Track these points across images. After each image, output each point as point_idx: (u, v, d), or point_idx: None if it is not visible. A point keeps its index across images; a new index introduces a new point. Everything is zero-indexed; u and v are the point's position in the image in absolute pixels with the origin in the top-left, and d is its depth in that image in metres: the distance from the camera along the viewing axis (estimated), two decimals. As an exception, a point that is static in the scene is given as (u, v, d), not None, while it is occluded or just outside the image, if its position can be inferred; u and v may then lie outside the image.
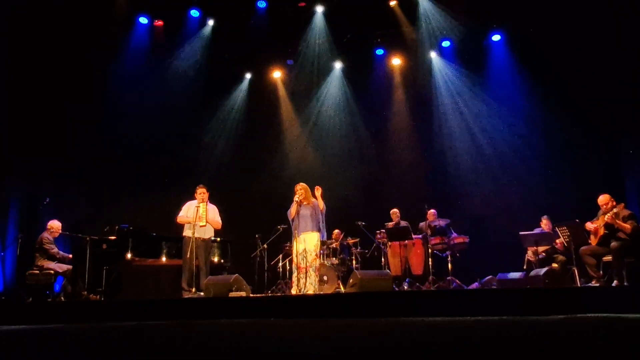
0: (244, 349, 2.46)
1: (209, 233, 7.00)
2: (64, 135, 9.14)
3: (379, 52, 10.46)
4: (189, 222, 6.74)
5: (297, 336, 2.91)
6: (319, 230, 6.52)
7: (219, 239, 7.95)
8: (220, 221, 7.08)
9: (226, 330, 3.11)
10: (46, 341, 2.99)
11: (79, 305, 5.68)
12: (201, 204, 6.85)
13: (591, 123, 8.30)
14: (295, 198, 6.55)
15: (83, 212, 8.59)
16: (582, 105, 8.36)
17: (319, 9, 10.02)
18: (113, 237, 7.36)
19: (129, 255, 7.17)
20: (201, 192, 6.90)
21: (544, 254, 6.98)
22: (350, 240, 8.51)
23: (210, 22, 10.17)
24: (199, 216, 6.79)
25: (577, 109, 8.39)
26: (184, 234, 6.90)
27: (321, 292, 6.74)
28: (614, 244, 5.96)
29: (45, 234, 7.09)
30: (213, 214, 7.01)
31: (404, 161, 10.15)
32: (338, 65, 10.74)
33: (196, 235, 6.66)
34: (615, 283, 5.82)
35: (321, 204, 6.51)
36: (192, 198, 6.99)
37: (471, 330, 2.88)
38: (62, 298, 6.95)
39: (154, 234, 7.53)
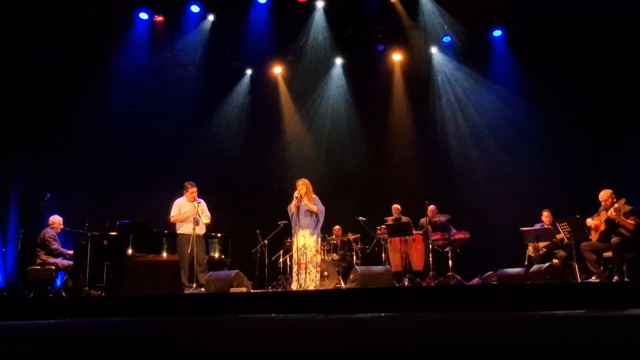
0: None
1: (203, 229, 7.08)
2: (66, 131, 9.13)
3: (380, 47, 10.42)
4: (189, 217, 6.76)
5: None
6: (311, 227, 6.52)
7: (219, 234, 7.96)
8: (210, 215, 7.15)
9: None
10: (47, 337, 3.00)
11: (80, 301, 5.70)
12: (199, 201, 6.89)
13: (592, 119, 8.29)
14: (295, 194, 6.55)
15: (84, 207, 8.59)
16: (583, 100, 8.35)
17: (320, 5, 9.99)
18: (114, 233, 7.37)
19: (129, 251, 7.17)
20: (193, 191, 6.96)
21: (544, 249, 6.99)
22: (351, 236, 8.51)
23: (211, 18, 10.13)
24: (200, 213, 6.84)
25: (578, 105, 8.37)
26: (179, 231, 6.92)
27: (322, 288, 6.75)
28: (614, 239, 5.96)
29: (48, 230, 7.10)
30: (205, 208, 7.07)
31: (405, 157, 10.13)
32: (338, 61, 10.72)
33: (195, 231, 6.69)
34: (615, 279, 5.83)
35: (313, 208, 6.50)
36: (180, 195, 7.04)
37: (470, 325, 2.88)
38: (64, 293, 6.96)
39: (155, 230, 7.53)
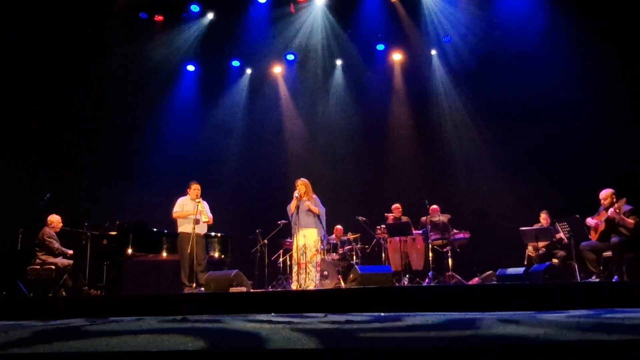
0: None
1: (204, 228, 7.09)
2: (65, 130, 9.13)
3: (380, 47, 10.44)
4: (189, 215, 6.78)
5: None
6: (318, 226, 6.53)
7: (219, 234, 7.97)
8: (212, 216, 7.15)
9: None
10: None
11: (79, 300, 5.69)
12: (200, 200, 6.90)
13: (591, 118, 8.29)
14: (295, 194, 6.55)
15: (84, 207, 8.59)
16: (583, 100, 8.35)
17: (320, 4, 9.99)
18: (114, 233, 7.37)
19: (129, 251, 7.18)
20: (195, 188, 6.97)
21: (544, 249, 7.00)
22: (351, 236, 8.52)
23: (210, 16, 10.12)
24: (200, 211, 6.86)
25: (577, 104, 8.38)
26: (179, 230, 6.94)
27: (321, 288, 6.75)
28: (614, 239, 5.96)
29: (47, 229, 7.10)
30: (207, 209, 7.07)
31: (405, 156, 10.14)
32: (338, 60, 10.72)
33: (195, 230, 6.70)
34: (615, 278, 5.83)
35: (315, 209, 6.52)
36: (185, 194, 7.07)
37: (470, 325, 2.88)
38: (63, 293, 6.96)
39: (155, 230, 7.54)
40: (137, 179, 9.59)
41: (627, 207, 6.04)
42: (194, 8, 9.94)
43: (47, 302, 5.51)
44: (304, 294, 5.48)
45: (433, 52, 10.26)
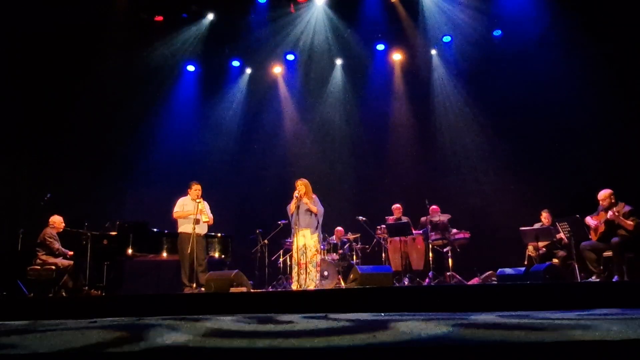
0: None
1: (205, 229, 7.09)
2: (65, 130, 9.13)
3: (380, 47, 10.44)
4: (190, 215, 6.79)
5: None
6: (312, 227, 6.53)
7: (219, 234, 7.98)
8: (212, 216, 7.15)
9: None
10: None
11: (80, 301, 5.69)
12: (200, 200, 6.90)
13: (591, 117, 8.30)
14: (295, 194, 6.55)
15: (84, 207, 8.60)
16: (583, 100, 8.35)
17: (320, 4, 9.98)
18: (114, 233, 7.37)
19: (129, 251, 7.18)
20: (196, 188, 6.97)
21: (544, 249, 7.00)
22: (351, 236, 8.52)
23: (210, 16, 10.11)
24: (200, 211, 6.86)
25: (577, 104, 8.38)
26: (180, 230, 6.94)
27: (322, 288, 6.76)
28: (614, 239, 5.97)
29: (48, 230, 7.10)
30: (207, 209, 7.08)
31: (405, 156, 10.14)
32: (338, 60, 10.72)
33: (195, 230, 6.70)
34: (615, 278, 5.83)
35: (314, 208, 6.52)
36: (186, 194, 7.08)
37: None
38: (64, 293, 6.96)
39: (155, 230, 7.54)
40: (137, 179, 9.59)
41: (627, 208, 6.05)
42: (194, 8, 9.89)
43: (47, 302, 5.51)
44: (304, 294, 5.48)
45: (433, 52, 10.27)
